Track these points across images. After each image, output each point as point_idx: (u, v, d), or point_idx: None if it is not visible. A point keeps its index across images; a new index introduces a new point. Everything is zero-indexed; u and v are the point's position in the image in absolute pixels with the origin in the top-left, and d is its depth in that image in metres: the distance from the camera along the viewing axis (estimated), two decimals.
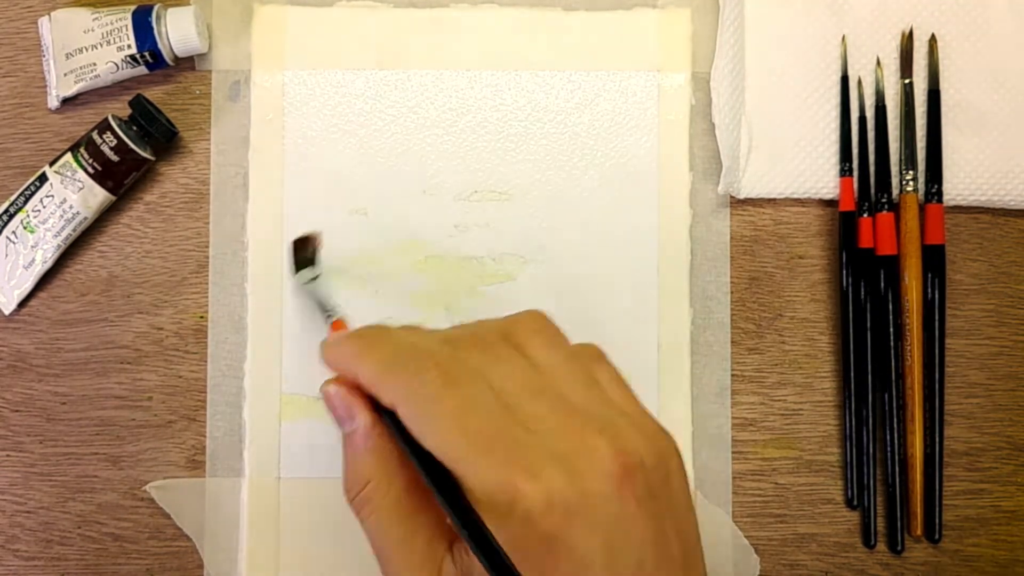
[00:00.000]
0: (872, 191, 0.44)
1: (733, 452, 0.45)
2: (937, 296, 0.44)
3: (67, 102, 0.44)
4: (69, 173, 0.42)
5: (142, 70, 0.43)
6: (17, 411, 0.44)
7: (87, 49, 0.43)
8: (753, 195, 0.44)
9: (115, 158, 0.42)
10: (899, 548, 0.44)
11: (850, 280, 0.44)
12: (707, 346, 0.45)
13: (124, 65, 0.43)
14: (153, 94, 0.44)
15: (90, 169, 0.42)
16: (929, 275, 0.44)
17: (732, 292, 0.45)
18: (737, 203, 0.45)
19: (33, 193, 0.42)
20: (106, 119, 0.42)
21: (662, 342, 0.44)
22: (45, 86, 0.44)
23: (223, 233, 0.44)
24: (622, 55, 0.45)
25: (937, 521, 0.44)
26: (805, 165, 0.45)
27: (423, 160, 0.45)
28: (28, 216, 0.42)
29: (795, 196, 0.45)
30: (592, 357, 0.31)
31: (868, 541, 0.44)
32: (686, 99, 0.45)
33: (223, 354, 0.44)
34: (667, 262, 0.45)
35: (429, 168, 0.45)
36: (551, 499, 0.25)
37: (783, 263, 0.45)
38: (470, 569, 0.28)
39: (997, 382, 0.45)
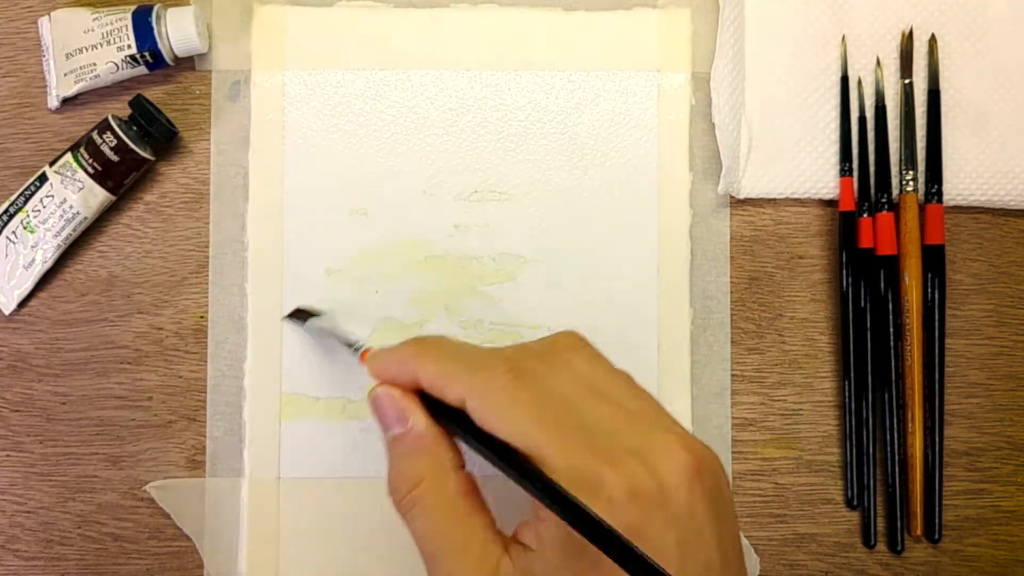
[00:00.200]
0: (872, 191, 0.44)
1: (733, 452, 0.45)
2: (937, 296, 0.44)
3: (67, 102, 0.44)
4: (69, 173, 0.42)
5: (142, 70, 0.43)
6: (17, 411, 0.44)
7: (87, 49, 0.43)
8: (753, 195, 0.44)
9: (115, 158, 0.42)
10: (899, 548, 0.44)
11: (850, 280, 0.44)
12: (707, 346, 0.45)
13: (124, 65, 0.43)
14: (153, 94, 0.44)
15: (90, 169, 0.42)
16: (929, 275, 0.44)
17: (732, 292, 0.45)
18: (737, 203, 0.45)
19: (33, 193, 0.42)
20: (106, 119, 0.42)
21: (662, 342, 0.44)
22: (45, 86, 0.44)
23: (223, 233, 0.44)
24: (622, 55, 0.45)
25: (937, 521, 0.44)
26: (805, 165, 0.45)
27: (423, 160, 0.45)
28: (28, 216, 0.42)
29: (795, 196, 0.45)
30: (629, 375, 0.32)
31: (868, 541, 0.44)
32: (686, 99, 0.45)
33: (223, 354, 0.44)
34: (667, 262, 0.45)
35: (429, 168, 0.45)
36: (634, 489, 0.26)
37: (783, 263, 0.45)
38: (530, 567, 0.28)
39: (997, 382, 0.45)
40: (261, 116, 0.44)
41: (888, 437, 0.44)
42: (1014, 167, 0.44)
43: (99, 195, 0.42)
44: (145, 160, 0.43)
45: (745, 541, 0.44)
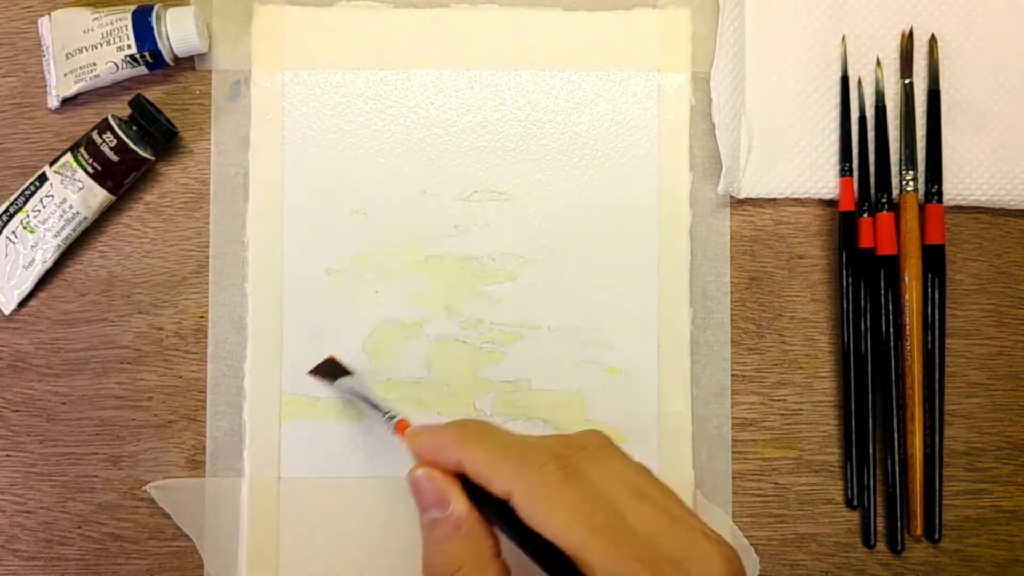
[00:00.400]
0: (872, 191, 0.44)
1: (733, 452, 0.45)
2: (937, 296, 0.44)
3: (67, 102, 0.44)
4: (69, 173, 0.42)
5: (142, 70, 0.43)
6: (17, 411, 0.44)
7: (87, 49, 0.43)
8: (753, 195, 0.44)
9: (115, 158, 0.42)
10: (899, 548, 0.44)
11: (850, 280, 0.44)
12: (707, 346, 0.45)
13: (124, 65, 0.43)
14: (153, 94, 0.44)
15: (90, 169, 0.42)
16: (929, 275, 0.44)
17: (732, 292, 0.45)
18: (737, 203, 0.45)
19: (33, 193, 0.42)
20: (106, 119, 0.42)
21: (662, 342, 0.44)
22: (45, 86, 0.44)
23: (223, 233, 0.44)
24: (622, 55, 0.45)
25: (937, 521, 0.44)
26: (805, 165, 0.45)
27: (423, 160, 0.45)
28: (28, 216, 0.42)
29: (795, 196, 0.45)
30: (648, 469, 0.32)
31: (868, 541, 0.44)
32: (686, 99, 0.45)
33: (223, 354, 0.44)
34: (667, 262, 0.45)
35: (429, 168, 0.45)
36: None
37: (783, 263, 0.45)
38: None
39: (997, 382, 0.45)
40: (261, 116, 0.44)
41: (888, 437, 0.44)
42: (1014, 167, 0.44)
43: (99, 195, 0.42)
44: (145, 160, 0.43)
45: (745, 541, 0.44)
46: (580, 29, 0.45)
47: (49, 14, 0.43)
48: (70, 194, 0.42)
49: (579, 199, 0.45)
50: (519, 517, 0.29)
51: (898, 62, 0.45)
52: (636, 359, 0.44)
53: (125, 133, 0.42)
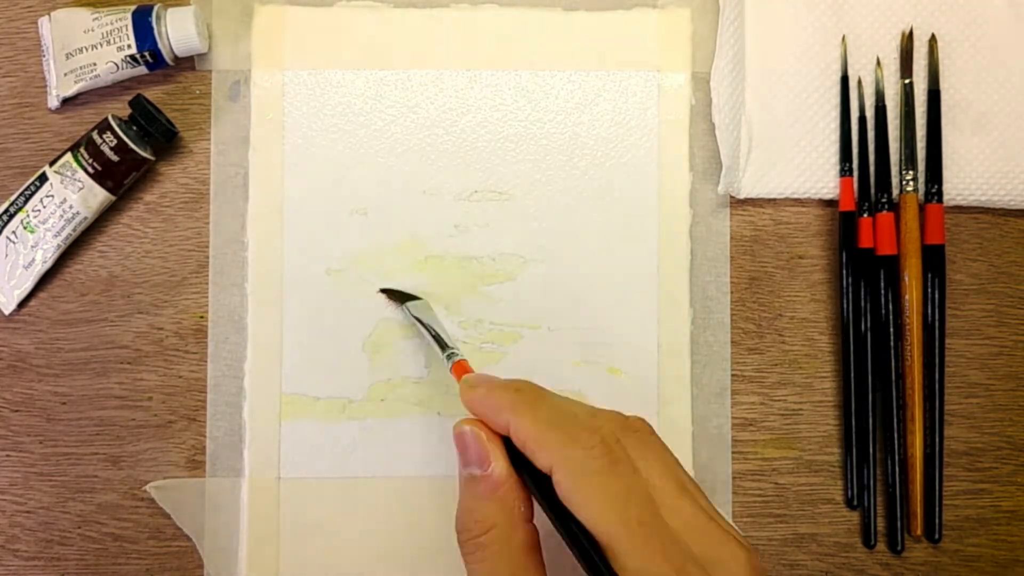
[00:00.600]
0: (872, 191, 0.44)
1: (733, 452, 0.45)
2: (937, 296, 0.44)
3: (67, 102, 0.44)
4: (69, 173, 0.42)
5: (142, 70, 0.43)
6: (17, 411, 0.44)
7: (87, 49, 0.43)
8: (753, 195, 0.44)
9: (115, 158, 0.42)
10: (899, 548, 0.44)
11: (850, 280, 0.44)
12: (707, 346, 0.45)
13: (124, 65, 0.43)
14: (153, 94, 0.44)
15: (90, 169, 0.42)
16: (929, 275, 0.44)
17: (732, 292, 0.45)
18: (737, 203, 0.45)
19: (33, 193, 0.42)
20: (106, 119, 0.42)
21: (662, 342, 0.44)
22: (45, 86, 0.44)
23: (223, 233, 0.44)
24: (622, 55, 0.45)
25: (937, 521, 0.44)
26: (805, 165, 0.45)
27: (423, 160, 0.45)
28: (28, 216, 0.42)
29: (795, 196, 0.45)
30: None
31: (868, 541, 0.44)
32: (686, 99, 0.45)
33: (223, 354, 0.44)
34: (667, 262, 0.45)
35: (429, 168, 0.45)
36: None
37: (783, 263, 0.45)
38: None
39: (997, 382, 0.45)
40: (261, 116, 0.44)
41: (888, 437, 0.44)
42: (1014, 167, 0.44)
43: (99, 195, 0.42)
44: (145, 160, 0.43)
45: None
46: (580, 29, 0.45)
47: (49, 14, 0.43)
48: (70, 194, 0.42)
49: (579, 199, 0.45)
50: (556, 493, 0.29)
51: (898, 62, 0.45)
52: (636, 359, 0.44)
53: (125, 133, 0.42)
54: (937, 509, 0.44)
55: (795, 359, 0.45)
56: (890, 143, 0.44)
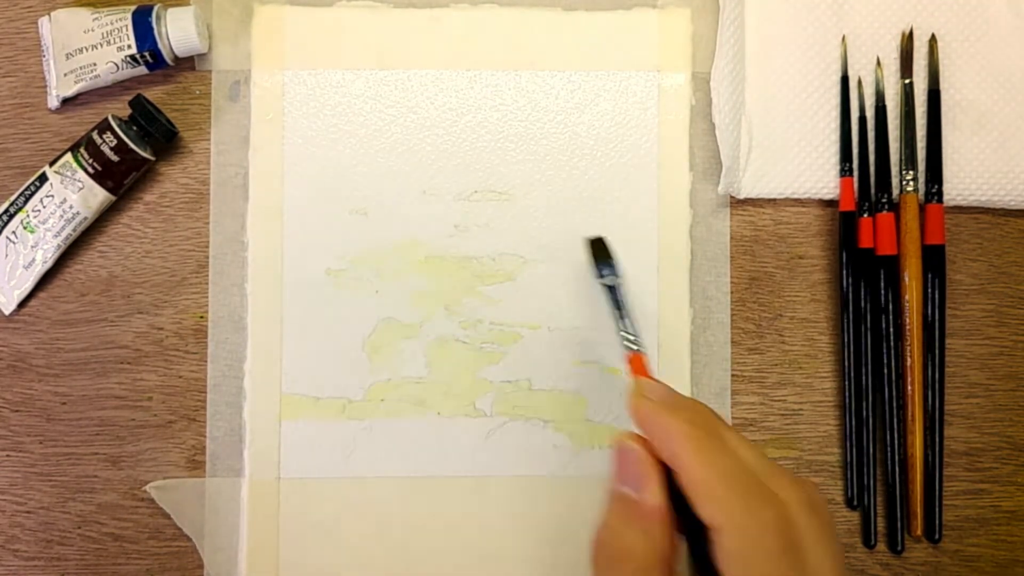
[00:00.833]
0: (872, 191, 0.44)
1: None
2: (937, 296, 0.44)
3: (67, 102, 0.44)
4: (69, 173, 0.42)
5: (142, 70, 0.43)
6: (17, 411, 0.44)
7: (87, 49, 0.43)
8: (753, 195, 0.44)
9: (115, 158, 0.42)
10: (899, 548, 0.44)
11: (850, 280, 0.44)
12: (707, 346, 0.45)
13: (124, 65, 0.43)
14: (153, 94, 0.44)
15: (90, 169, 0.42)
16: (929, 275, 0.44)
17: (732, 292, 0.45)
18: (737, 203, 0.45)
19: (33, 193, 0.42)
20: (106, 119, 0.42)
21: (662, 342, 0.44)
22: (45, 86, 0.44)
23: (223, 233, 0.44)
24: (622, 55, 0.45)
25: (937, 521, 0.44)
26: (805, 165, 0.45)
27: (423, 160, 0.45)
28: (28, 216, 0.42)
29: (795, 196, 0.45)
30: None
31: (868, 541, 0.44)
32: (686, 99, 0.45)
33: (223, 354, 0.44)
34: (667, 262, 0.45)
35: (429, 168, 0.45)
36: None
37: (783, 263, 0.45)
38: None
39: (997, 382, 0.45)
40: (261, 116, 0.44)
41: (888, 437, 0.44)
42: (1014, 167, 0.44)
43: (99, 195, 0.42)
44: (145, 160, 0.43)
45: None
46: (580, 29, 0.45)
47: (49, 14, 0.43)
48: (70, 194, 0.42)
49: (579, 199, 0.45)
50: (709, 547, 0.28)
51: (898, 62, 0.45)
52: None
53: (125, 133, 0.42)
54: (937, 509, 0.44)
55: (795, 359, 0.45)
56: (890, 143, 0.44)
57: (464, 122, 0.45)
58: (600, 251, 0.41)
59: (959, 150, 0.45)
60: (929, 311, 0.44)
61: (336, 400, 0.44)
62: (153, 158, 0.43)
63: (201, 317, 0.44)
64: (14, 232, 0.43)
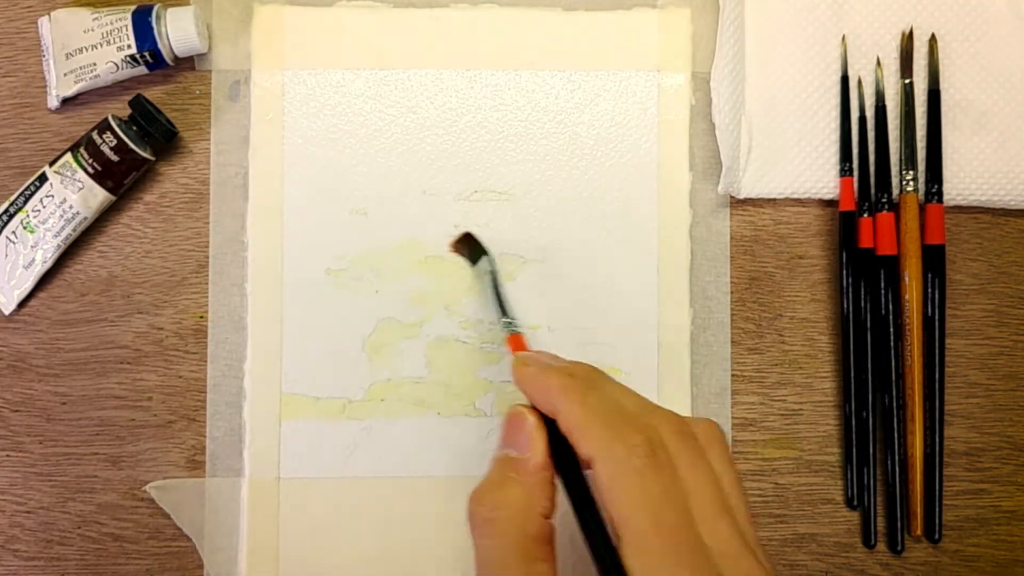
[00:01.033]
0: (872, 191, 0.44)
1: (733, 452, 0.45)
2: (937, 296, 0.44)
3: (67, 102, 0.44)
4: (69, 173, 0.42)
5: (142, 70, 0.43)
6: (17, 411, 0.44)
7: (87, 49, 0.43)
8: (753, 195, 0.44)
9: (115, 158, 0.42)
10: (899, 548, 0.44)
11: (850, 280, 0.44)
12: (707, 346, 0.45)
13: (124, 65, 0.43)
14: (153, 94, 0.44)
15: (90, 169, 0.42)
16: (929, 275, 0.44)
17: (732, 292, 0.45)
18: (737, 203, 0.45)
19: (33, 193, 0.42)
20: (106, 119, 0.42)
21: (662, 342, 0.44)
22: (45, 86, 0.44)
23: (223, 233, 0.44)
24: (622, 55, 0.45)
25: (937, 521, 0.44)
26: (805, 165, 0.45)
27: (423, 160, 0.45)
28: (28, 216, 0.42)
29: (795, 196, 0.45)
30: (742, 486, 0.31)
31: (868, 541, 0.44)
32: (686, 99, 0.45)
33: (223, 354, 0.44)
34: (667, 262, 0.45)
35: (429, 168, 0.45)
36: None
37: (783, 263, 0.45)
38: None
39: (997, 382, 0.45)
40: (261, 116, 0.44)
41: (888, 437, 0.44)
42: (1014, 167, 0.44)
43: (99, 195, 0.42)
44: (145, 160, 0.43)
45: None
46: (580, 29, 0.45)
47: (49, 14, 0.43)
48: (70, 194, 0.42)
49: (579, 199, 0.45)
50: (588, 486, 0.29)
51: (898, 62, 0.45)
52: (636, 359, 0.44)
53: (125, 133, 0.42)
54: (937, 509, 0.44)
55: (795, 359, 0.45)
56: (890, 143, 0.44)
57: (464, 122, 0.45)
58: (475, 245, 0.42)
59: (959, 150, 0.45)
60: (929, 311, 0.44)
61: (336, 400, 0.44)
62: (153, 158, 0.43)
63: (201, 317, 0.44)
64: (14, 232, 0.43)
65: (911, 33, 0.44)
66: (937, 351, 0.44)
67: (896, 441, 0.44)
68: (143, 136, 0.43)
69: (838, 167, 0.44)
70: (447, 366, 0.44)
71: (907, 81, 0.44)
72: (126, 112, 0.43)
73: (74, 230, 0.43)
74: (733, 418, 0.45)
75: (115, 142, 0.42)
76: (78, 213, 0.42)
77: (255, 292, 0.44)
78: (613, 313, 0.44)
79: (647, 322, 0.44)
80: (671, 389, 0.44)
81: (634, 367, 0.44)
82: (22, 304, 0.44)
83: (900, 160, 0.44)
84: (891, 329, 0.44)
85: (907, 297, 0.44)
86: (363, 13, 0.45)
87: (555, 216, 0.45)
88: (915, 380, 0.43)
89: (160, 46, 0.42)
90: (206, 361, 0.44)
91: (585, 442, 0.29)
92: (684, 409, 0.44)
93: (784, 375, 0.45)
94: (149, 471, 0.44)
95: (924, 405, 0.44)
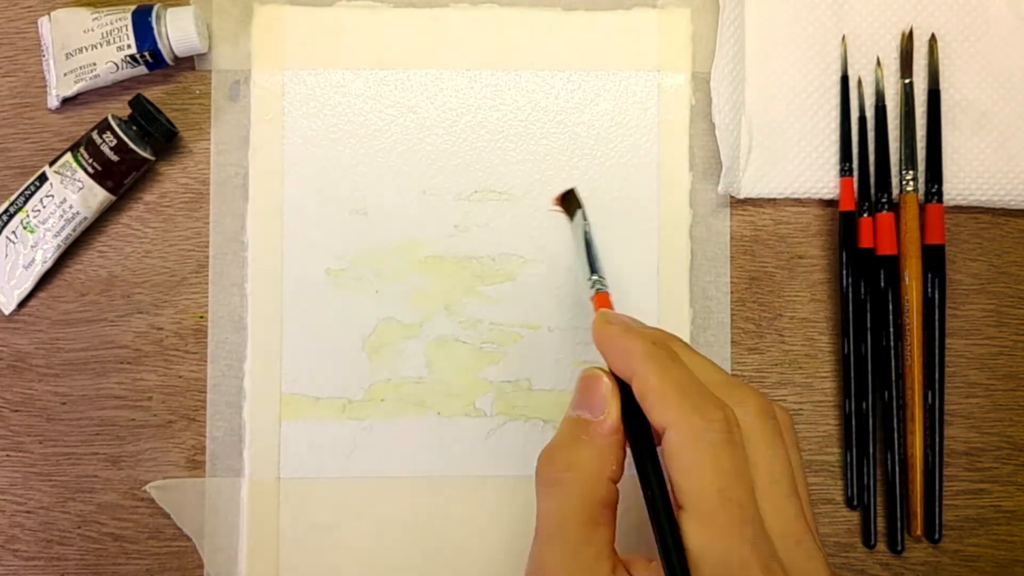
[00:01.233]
0: (872, 191, 0.44)
1: None
2: (937, 296, 0.44)
3: (67, 102, 0.44)
4: (69, 173, 0.42)
5: (142, 70, 0.43)
6: (17, 411, 0.44)
7: (87, 49, 0.43)
8: (753, 195, 0.44)
9: (115, 158, 0.42)
10: (899, 548, 0.44)
11: (850, 280, 0.44)
12: (707, 346, 0.45)
13: (124, 65, 0.43)
14: (153, 94, 0.44)
15: (90, 169, 0.42)
16: (929, 275, 0.44)
17: (732, 292, 0.45)
18: (737, 203, 0.45)
19: (33, 193, 0.42)
20: (106, 119, 0.42)
21: None
22: (45, 86, 0.44)
23: (223, 233, 0.44)
24: (622, 55, 0.45)
25: (937, 521, 0.44)
26: (805, 165, 0.45)
27: (423, 160, 0.45)
28: (28, 216, 0.42)
29: (795, 196, 0.45)
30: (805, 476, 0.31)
31: (868, 541, 0.44)
32: (686, 99, 0.45)
33: (223, 354, 0.44)
34: (667, 262, 0.45)
35: (429, 168, 0.45)
36: None
37: (783, 263, 0.45)
38: None
39: (997, 382, 0.45)
40: (261, 116, 0.44)
41: (888, 437, 0.44)
42: (1014, 167, 0.44)
43: (99, 195, 0.42)
44: (145, 160, 0.43)
45: None
46: (580, 29, 0.45)
47: (49, 14, 0.43)
48: (70, 194, 0.42)
49: None
50: (657, 454, 0.29)
51: (898, 62, 0.45)
52: None
53: (125, 133, 0.42)
54: (937, 509, 0.44)
55: (795, 359, 0.45)
56: (890, 143, 0.44)
57: (464, 122, 0.45)
58: (574, 200, 0.41)
59: (959, 150, 0.45)
60: (929, 311, 0.44)
61: (336, 400, 0.44)
62: (153, 158, 0.43)
63: (201, 317, 0.44)
64: (14, 232, 0.43)
65: (911, 33, 0.44)
66: (937, 351, 0.44)
67: (896, 441, 0.44)
68: (143, 136, 0.43)
69: (838, 167, 0.44)
70: (447, 366, 0.44)
71: (907, 81, 0.44)
72: (126, 112, 0.43)
73: (74, 230, 0.43)
74: None
75: (115, 142, 0.42)
76: (78, 213, 0.42)
77: (255, 292, 0.44)
78: None
79: (647, 322, 0.44)
80: None
81: None
82: (22, 304, 0.44)
83: (900, 160, 0.44)
84: (891, 329, 0.44)
85: (907, 297, 0.44)
86: (363, 13, 0.45)
87: (555, 216, 0.45)
88: (915, 380, 0.43)
89: (160, 46, 0.42)
90: (206, 361, 0.44)
91: (660, 410, 0.29)
92: None
93: (784, 375, 0.45)
94: (149, 471, 0.44)
95: (924, 405, 0.44)
